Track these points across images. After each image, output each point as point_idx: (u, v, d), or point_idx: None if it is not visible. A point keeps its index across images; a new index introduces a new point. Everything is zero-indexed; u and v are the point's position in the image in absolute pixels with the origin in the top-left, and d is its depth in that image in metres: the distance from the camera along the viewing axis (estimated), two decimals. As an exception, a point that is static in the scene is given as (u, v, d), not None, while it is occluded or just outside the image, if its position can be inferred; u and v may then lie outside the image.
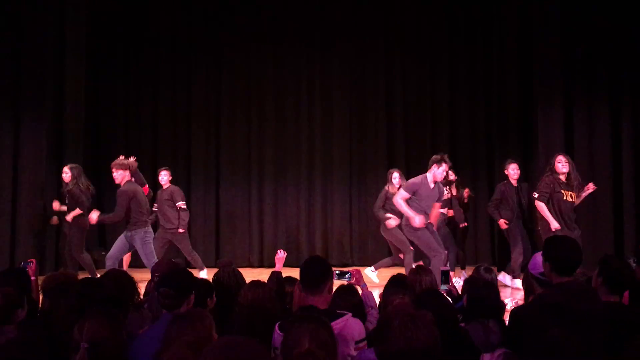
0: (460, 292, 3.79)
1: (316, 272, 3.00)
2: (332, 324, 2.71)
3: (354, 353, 2.73)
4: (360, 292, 3.63)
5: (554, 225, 6.15)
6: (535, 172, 7.46)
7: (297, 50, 9.82)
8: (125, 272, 3.84)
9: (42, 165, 7.96)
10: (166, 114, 9.86)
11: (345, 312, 2.89)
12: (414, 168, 9.71)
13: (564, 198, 6.31)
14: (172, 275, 3.22)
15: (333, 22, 9.75)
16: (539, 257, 3.09)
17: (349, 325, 2.78)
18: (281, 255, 4.68)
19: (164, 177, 7.96)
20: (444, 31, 9.82)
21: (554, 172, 6.39)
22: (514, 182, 7.31)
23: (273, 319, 2.94)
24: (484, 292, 2.96)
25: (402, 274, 3.82)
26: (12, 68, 7.87)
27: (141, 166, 9.72)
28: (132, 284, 3.59)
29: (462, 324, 2.83)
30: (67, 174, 7.40)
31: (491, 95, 9.53)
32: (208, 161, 9.81)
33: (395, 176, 7.48)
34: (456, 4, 9.78)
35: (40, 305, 3.57)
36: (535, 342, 2.43)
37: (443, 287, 3.75)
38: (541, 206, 6.30)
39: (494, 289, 3.12)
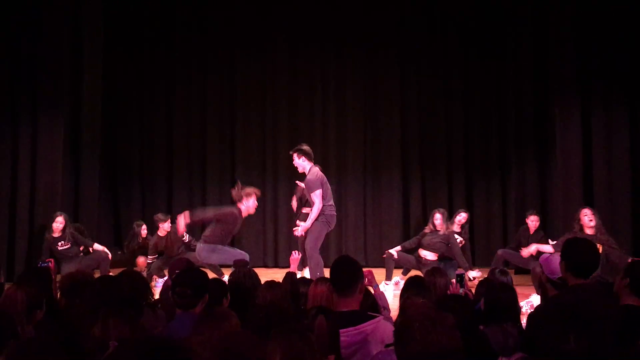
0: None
1: (348, 273, 2.94)
2: (364, 325, 2.70)
3: (381, 356, 2.72)
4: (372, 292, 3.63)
5: None
6: (553, 180, 7.41)
7: (312, 53, 9.81)
8: (138, 273, 3.87)
9: (59, 164, 8.02)
10: (181, 117, 9.90)
11: (377, 314, 2.87)
12: (428, 171, 9.71)
13: None
14: (188, 275, 3.24)
15: (347, 26, 9.71)
16: (554, 260, 3.07)
17: (380, 328, 2.76)
18: (296, 256, 4.70)
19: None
20: (458, 35, 9.75)
21: (580, 226, 6.40)
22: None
23: (289, 319, 2.94)
24: (502, 295, 2.94)
25: (420, 276, 3.81)
26: (29, 67, 7.93)
27: (156, 167, 9.84)
28: (146, 284, 3.62)
29: (480, 327, 2.82)
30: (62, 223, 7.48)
31: (507, 99, 9.45)
32: (223, 162, 9.85)
33: (438, 217, 7.52)
34: (470, 10, 9.70)
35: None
36: (551, 347, 2.40)
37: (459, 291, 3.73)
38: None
39: (511, 291, 3.11)
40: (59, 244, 7.50)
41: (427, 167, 9.73)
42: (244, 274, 4.02)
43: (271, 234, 9.74)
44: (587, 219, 6.37)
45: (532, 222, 7.73)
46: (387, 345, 2.70)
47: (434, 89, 9.79)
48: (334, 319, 2.75)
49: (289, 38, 9.79)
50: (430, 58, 9.76)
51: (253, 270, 4.10)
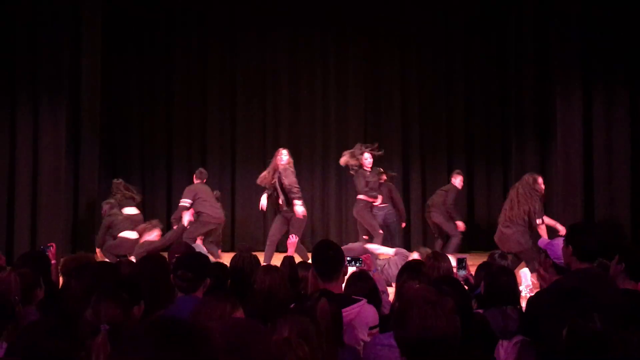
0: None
1: (332, 258, 2.96)
2: (348, 309, 2.72)
3: (367, 338, 2.74)
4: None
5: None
6: (555, 164, 7.39)
7: (313, 37, 9.79)
8: (159, 256, 3.84)
9: (61, 151, 7.97)
10: (181, 101, 9.88)
11: (360, 297, 2.89)
12: (429, 155, 9.70)
13: None
14: (189, 258, 3.23)
15: (349, 10, 9.66)
16: (557, 244, 3.06)
17: (364, 311, 2.79)
18: (293, 240, 4.67)
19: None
20: (461, 19, 9.70)
21: (539, 192, 6.49)
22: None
23: (287, 303, 2.94)
24: (501, 278, 2.94)
25: (417, 260, 3.81)
26: (30, 54, 7.85)
27: (156, 154, 9.82)
28: (164, 268, 3.55)
29: (481, 311, 2.82)
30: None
31: (508, 83, 9.41)
32: (223, 148, 9.83)
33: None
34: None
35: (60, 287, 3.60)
36: (552, 329, 2.40)
37: (460, 274, 3.73)
38: (543, 228, 6.38)
39: (511, 275, 3.10)
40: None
41: (427, 151, 9.72)
42: (244, 258, 4.02)
43: (271, 218, 9.72)
44: (543, 187, 6.54)
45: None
46: (372, 328, 2.73)
47: (434, 74, 9.76)
48: (339, 299, 2.76)
49: (289, 22, 9.74)
50: (431, 42, 9.71)
51: (254, 255, 4.10)
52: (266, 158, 9.76)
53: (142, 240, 7.02)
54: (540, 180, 6.53)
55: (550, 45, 8.18)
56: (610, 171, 7.65)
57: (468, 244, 9.49)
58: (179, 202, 7.60)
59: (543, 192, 6.45)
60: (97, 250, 7.79)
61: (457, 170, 8.39)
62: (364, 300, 2.86)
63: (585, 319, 1.96)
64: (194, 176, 7.88)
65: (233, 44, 9.83)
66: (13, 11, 7.77)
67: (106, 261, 3.77)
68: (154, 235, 7.02)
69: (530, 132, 8.70)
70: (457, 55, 9.73)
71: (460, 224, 8.02)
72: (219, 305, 2.31)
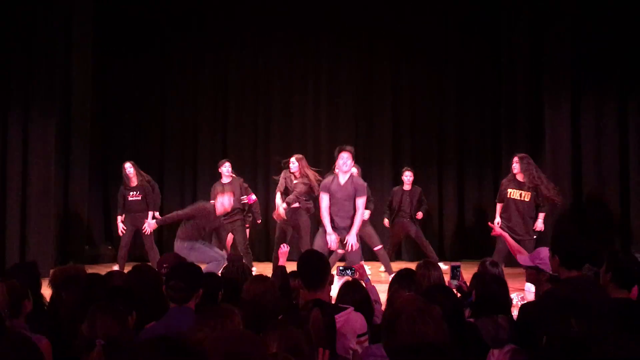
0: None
1: (317, 268, 2.98)
2: (336, 317, 2.72)
3: (355, 346, 2.74)
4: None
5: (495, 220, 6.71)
6: (543, 168, 7.44)
7: (305, 49, 9.80)
8: (149, 267, 3.83)
9: (51, 159, 7.93)
10: (173, 114, 9.85)
11: (347, 306, 2.89)
12: (420, 164, 9.71)
13: (510, 196, 6.84)
14: (182, 268, 3.22)
15: (340, 17, 9.70)
16: (544, 253, 3.07)
17: (351, 319, 2.80)
18: (284, 249, 4.66)
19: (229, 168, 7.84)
20: (452, 25, 9.75)
21: (513, 175, 6.90)
22: (408, 187, 8.24)
23: (277, 314, 2.94)
24: (493, 287, 2.95)
25: (409, 269, 3.81)
26: (23, 62, 7.81)
27: (147, 163, 9.77)
28: (156, 278, 3.54)
29: (472, 319, 2.82)
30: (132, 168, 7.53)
31: (499, 90, 9.46)
32: (214, 157, 9.79)
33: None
34: (465, 3, 9.69)
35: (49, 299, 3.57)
36: (544, 338, 2.41)
37: (453, 283, 3.73)
38: (497, 205, 7.05)
39: (502, 283, 3.11)
40: (130, 194, 7.46)
41: (418, 161, 9.73)
42: (237, 268, 4.02)
43: (263, 228, 9.71)
44: (512, 166, 6.88)
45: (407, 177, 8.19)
46: (360, 335, 2.73)
47: (426, 80, 9.80)
48: (326, 307, 2.76)
49: (284, 26, 9.74)
50: (423, 48, 9.75)
51: (247, 265, 4.09)
52: (257, 165, 9.80)
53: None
54: (513, 159, 6.92)
55: (541, 54, 8.26)
56: (599, 178, 7.72)
57: (460, 252, 9.52)
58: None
59: (513, 170, 6.87)
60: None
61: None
62: (351, 308, 2.86)
63: (564, 325, 1.97)
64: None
65: (226, 58, 9.81)
66: (5, 17, 7.74)
67: (96, 273, 3.72)
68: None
69: (521, 139, 8.75)
70: (449, 62, 9.76)
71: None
72: (221, 321, 2.29)
